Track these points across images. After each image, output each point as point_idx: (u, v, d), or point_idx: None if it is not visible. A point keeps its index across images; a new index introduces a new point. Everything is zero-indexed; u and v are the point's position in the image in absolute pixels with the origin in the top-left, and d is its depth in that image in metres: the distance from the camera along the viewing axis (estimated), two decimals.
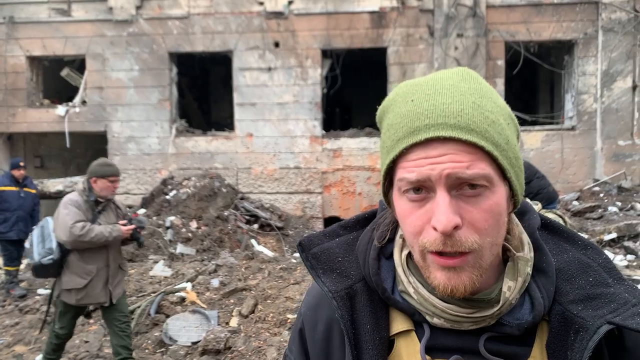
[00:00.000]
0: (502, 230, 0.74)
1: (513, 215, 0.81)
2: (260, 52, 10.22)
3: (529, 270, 0.78)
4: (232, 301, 5.45)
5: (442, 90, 0.72)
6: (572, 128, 9.82)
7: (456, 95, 0.71)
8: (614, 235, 6.86)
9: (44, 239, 3.82)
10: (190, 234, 8.28)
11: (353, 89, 12.27)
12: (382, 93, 10.37)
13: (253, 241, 8.44)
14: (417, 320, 0.81)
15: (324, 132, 10.35)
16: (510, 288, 0.76)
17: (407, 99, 0.74)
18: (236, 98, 10.32)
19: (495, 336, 0.77)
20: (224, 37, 10.25)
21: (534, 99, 12.46)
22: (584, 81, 9.80)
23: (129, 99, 10.44)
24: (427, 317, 0.79)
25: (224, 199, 9.00)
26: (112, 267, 3.89)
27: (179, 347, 4.62)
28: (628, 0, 9.49)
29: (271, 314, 5.15)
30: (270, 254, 7.72)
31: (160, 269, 6.58)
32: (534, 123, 10.26)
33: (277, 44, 10.19)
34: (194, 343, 4.72)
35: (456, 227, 0.69)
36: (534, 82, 12.28)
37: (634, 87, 9.49)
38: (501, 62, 9.80)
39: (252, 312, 5.20)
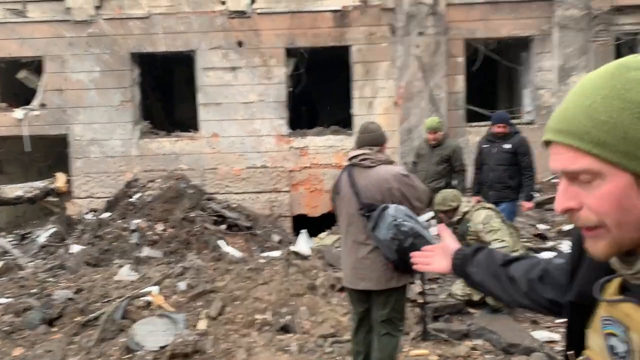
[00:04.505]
0: (631, 212, 0.83)
1: None
2: (224, 51, 10.16)
3: None
4: (199, 304, 5.44)
5: (574, 95, 0.87)
6: (531, 122, 10.10)
7: (579, 100, 0.84)
8: (572, 225, 7.10)
9: (423, 225, 3.51)
10: (156, 237, 8.18)
11: (318, 87, 12.32)
12: (347, 91, 10.46)
13: (221, 242, 8.41)
14: None
15: (290, 130, 10.37)
16: None
17: (565, 98, 0.90)
18: (200, 98, 10.24)
19: None
20: (186, 36, 10.15)
21: (494, 95, 12.75)
22: (541, 76, 10.09)
23: (90, 101, 10.24)
24: None
25: (190, 200, 8.93)
26: None
27: (146, 352, 4.58)
28: None
29: (240, 315, 5.16)
30: (238, 254, 7.71)
31: (126, 273, 6.50)
32: None
33: (240, 44, 10.15)
34: (162, 347, 4.68)
35: (573, 210, 0.86)
36: (494, 78, 12.56)
37: None
38: (461, 60, 10.00)
39: (220, 314, 5.20)
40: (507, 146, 6.21)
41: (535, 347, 4.27)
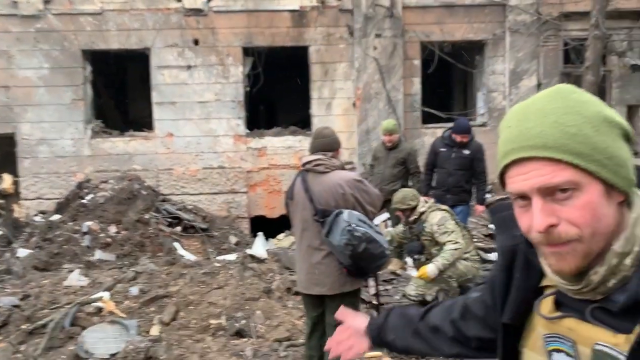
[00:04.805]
0: (602, 221, 0.85)
1: (626, 208, 0.89)
2: (180, 49, 9.98)
3: (615, 261, 0.86)
4: (152, 309, 5.32)
5: (529, 115, 0.88)
6: (484, 124, 10.36)
7: (539, 118, 0.86)
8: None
9: (376, 229, 3.55)
10: (109, 239, 7.97)
11: (277, 87, 12.26)
12: (305, 91, 10.45)
13: (176, 244, 8.27)
14: None
15: (248, 131, 10.29)
16: (596, 273, 0.87)
17: (507, 125, 0.91)
18: (155, 97, 10.03)
19: (603, 308, 0.88)
20: (140, 34, 9.92)
21: (450, 97, 13.01)
22: (494, 80, 10.36)
23: (39, 99, 9.87)
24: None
25: (144, 202, 8.73)
26: None
27: None
28: (532, 3, 10.11)
29: (194, 321, 5.09)
30: (192, 258, 7.60)
31: (76, 278, 6.30)
32: (449, 120, 10.71)
33: (196, 42, 10.00)
34: (113, 355, 4.58)
35: (552, 226, 0.84)
36: (449, 80, 12.82)
37: (539, 85, 10.14)
38: (417, 62, 10.15)
39: (174, 319, 5.12)
40: (466, 152, 6.34)
41: None
